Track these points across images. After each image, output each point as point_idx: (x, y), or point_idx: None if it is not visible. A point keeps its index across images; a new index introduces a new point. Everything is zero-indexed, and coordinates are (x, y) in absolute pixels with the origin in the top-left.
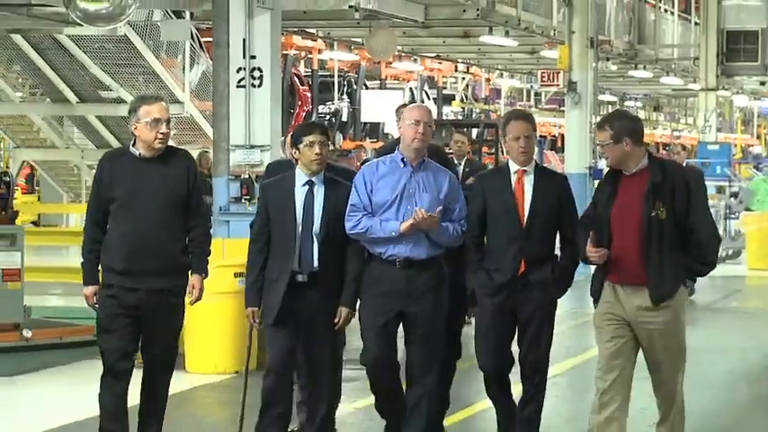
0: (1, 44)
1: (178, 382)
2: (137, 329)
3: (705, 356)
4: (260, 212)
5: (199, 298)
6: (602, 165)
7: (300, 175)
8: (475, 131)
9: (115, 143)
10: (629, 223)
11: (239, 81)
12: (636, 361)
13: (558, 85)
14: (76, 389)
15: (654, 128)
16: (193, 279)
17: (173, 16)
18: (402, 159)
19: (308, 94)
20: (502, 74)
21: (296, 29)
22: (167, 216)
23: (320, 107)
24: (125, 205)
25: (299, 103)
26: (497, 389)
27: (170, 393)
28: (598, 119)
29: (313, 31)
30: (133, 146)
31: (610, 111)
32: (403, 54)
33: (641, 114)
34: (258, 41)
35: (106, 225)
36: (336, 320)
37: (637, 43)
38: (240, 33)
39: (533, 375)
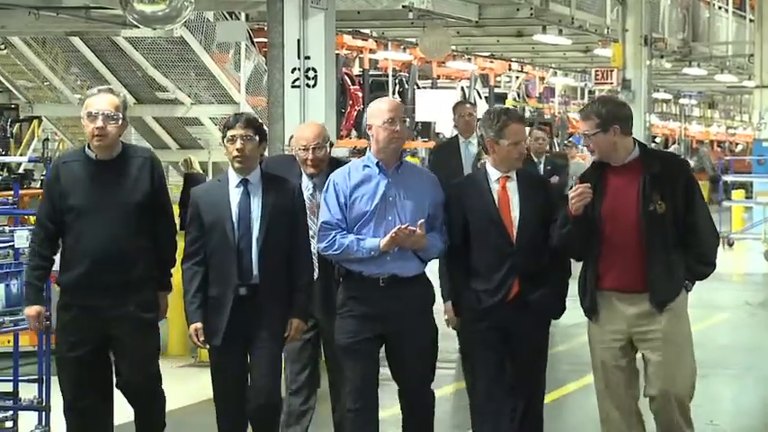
0: (60, 47)
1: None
2: (104, 357)
3: (759, 354)
4: (191, 222)
5: (162, 317)
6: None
7: (234, 176)
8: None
9: (172, 144)
10: (624, 221)
11: (294, 81)
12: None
13: (611, 83)
14: None
15: (708, 125)
16: (159, 296)
17: (227, 17)
18: (377, 164)
19: (360, 94)
20: (556, 72)
21: (350, 29)
22: (130, 225)
23: None
24: (82, 216)
25: (351, 102)
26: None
27: (207, 398)
28: (653, 116)
29: (367, 31)
30: (88, 147)
31: (664, 109)
32: (456, 53)
33: (696, 112)
34: (312, 42)
35: (58, 239)
36: (286, 334)
37: (691, 41)
38: (295, 34)
39: (529, 406)
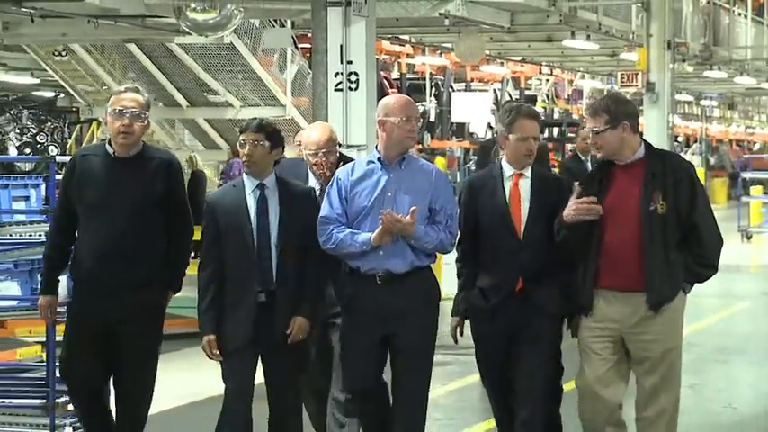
0: (117, 53)
1: None
2: (107, 352)
3: None
4: (207, 230)
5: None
6: None
7: (249, 181)
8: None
9: (223, 145)
10: (624, 219)
11: (337, 85)
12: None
13: (636, 85)
14: (185, 374)
15: (728, 125)
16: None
17: (273, 23)
18: (379, 159)
19: None
20: (583, 75)
21: (389, 35)
22: (137, 224)
23: None
24: (91, 210)
25: None
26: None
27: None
28: (675, 117)
29: (405, 37)
30: (109, 144)
31: (686, 110)
32: (490, 58)
33: (716, 112)
34: (354, 47)
35: (74, 232)
36: (288, 331)
37: (712, 45)
38: (337, 40)
39: (535, 410)
